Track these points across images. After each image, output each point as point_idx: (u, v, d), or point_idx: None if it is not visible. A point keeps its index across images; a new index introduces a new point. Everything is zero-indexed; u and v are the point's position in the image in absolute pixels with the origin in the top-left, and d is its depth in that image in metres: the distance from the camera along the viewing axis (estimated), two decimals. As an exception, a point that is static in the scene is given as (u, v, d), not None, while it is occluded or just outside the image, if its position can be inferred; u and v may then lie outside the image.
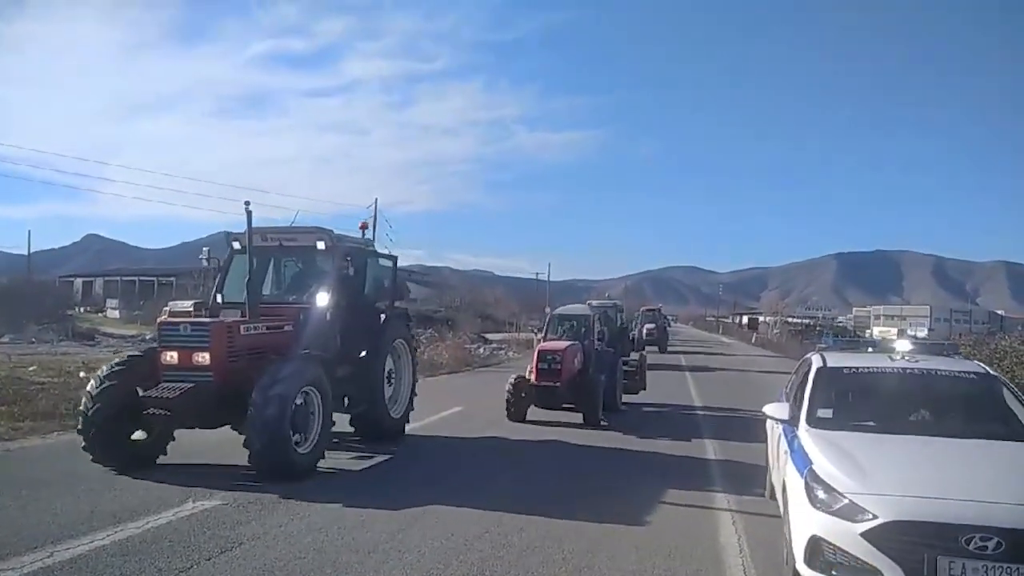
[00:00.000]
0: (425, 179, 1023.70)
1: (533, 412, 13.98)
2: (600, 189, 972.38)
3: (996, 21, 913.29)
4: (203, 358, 8.46)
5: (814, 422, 5.86)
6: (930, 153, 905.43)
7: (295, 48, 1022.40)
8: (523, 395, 13.72)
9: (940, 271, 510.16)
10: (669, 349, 42.39)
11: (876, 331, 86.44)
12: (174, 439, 9.06)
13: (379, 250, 11.93)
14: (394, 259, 11.87)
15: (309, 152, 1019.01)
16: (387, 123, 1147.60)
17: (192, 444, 9.29)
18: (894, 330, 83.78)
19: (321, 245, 10.16)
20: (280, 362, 8.56)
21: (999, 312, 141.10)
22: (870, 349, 7.67)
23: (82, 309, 64.08)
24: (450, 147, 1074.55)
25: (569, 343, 14.33)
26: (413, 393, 11.91)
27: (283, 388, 8.13)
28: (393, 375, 11.43)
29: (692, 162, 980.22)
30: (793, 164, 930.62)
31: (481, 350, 34.89)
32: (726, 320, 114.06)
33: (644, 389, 17.55)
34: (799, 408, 6.12)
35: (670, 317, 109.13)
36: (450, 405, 15.39)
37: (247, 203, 8.99)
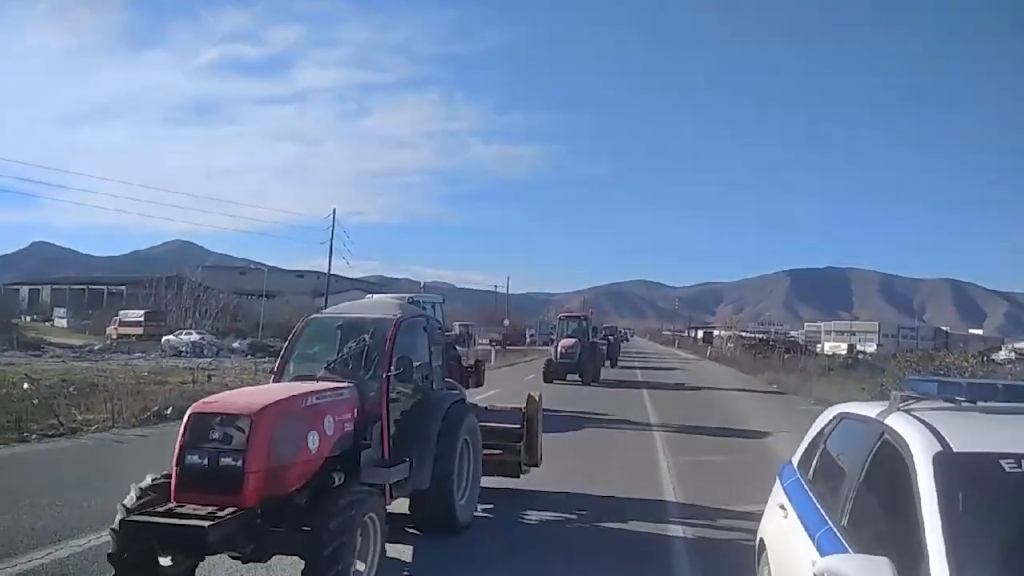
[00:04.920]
0: (381, 190, 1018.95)
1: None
2: (558, 203, 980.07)
3: (948, 43, 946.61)
4: None
5: None
6: (879, 172, 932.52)
7: (247, 55, 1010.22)
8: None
9: (888, 288, 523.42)
10: (621, 377, 31.17)
11: (827, 347, 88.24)
12: None
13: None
14: None
15: (262, 161, 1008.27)
16: (341, 133, 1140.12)
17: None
18: (844, 345, 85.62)
19: None
20: None
21: (944, 329, 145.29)
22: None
23: (28, 318, 62.39)
24: (406, 158, 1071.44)
25: (303, 392, 5.98)
26: None
27: None
28: None
29: (648, 178, 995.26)
30: (747, 181, 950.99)
31: (439, 363, 34.81)
32: (682, 334, 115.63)
33: (536, 465, 9.29)
34: None
35: (626, 331, 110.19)
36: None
37: None
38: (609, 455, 12.70)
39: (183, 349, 40.72)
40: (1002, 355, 60.62)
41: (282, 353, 7.17)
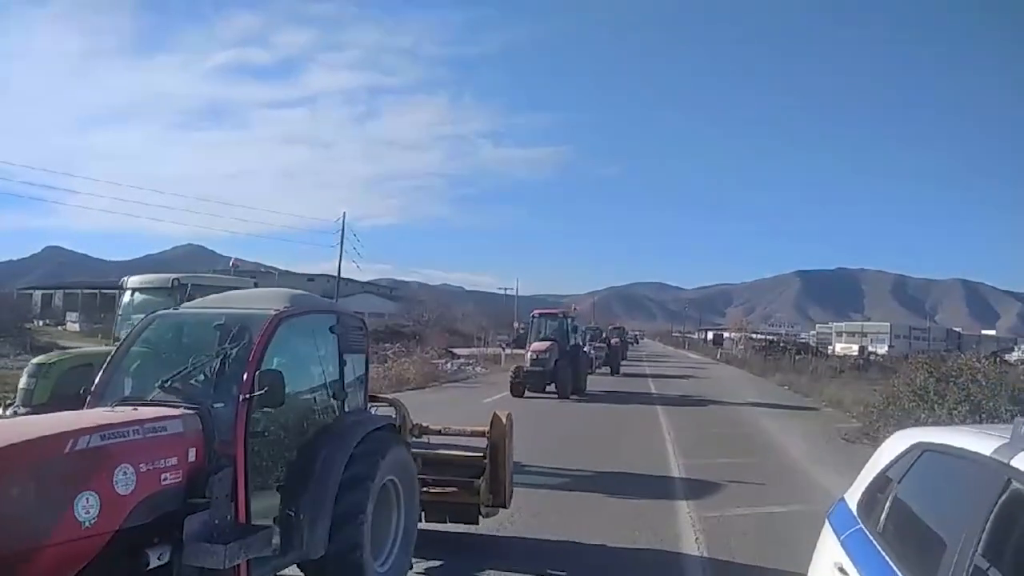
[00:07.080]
0: (392, 193, 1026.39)
1: None
2: (567, 205, 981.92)
3: (961, 41, 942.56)
4: None
5: None
6: (890, 173, 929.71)
7: (256, 59, 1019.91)
8: None
9: (900, 289, 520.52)
10: (626, 387, 26.49)
11: (838, 348, 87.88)
12: None
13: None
14: None
15: (273, 164, 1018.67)
16: (351, 136, 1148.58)
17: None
18: (855, 346, 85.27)
19: None
20: None
21: (956, 329, 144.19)
22: None
23: (41, 322, 62.85)
24: (416, 161, 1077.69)
25: (70, 430, 3.76)
26: None
27: None
28: None
29: (658, 180, 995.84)
30: (757, 182, 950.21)
31: (449, 365, 34.84)
32: (692, 336, 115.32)
33: (504, 506, 7.22)
34: None
35: (636, 333, 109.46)
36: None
37: None
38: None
39: (195, 352, 40.88)
40: (1015, 355, 60.29)
41: (105, 365, 4.89)
